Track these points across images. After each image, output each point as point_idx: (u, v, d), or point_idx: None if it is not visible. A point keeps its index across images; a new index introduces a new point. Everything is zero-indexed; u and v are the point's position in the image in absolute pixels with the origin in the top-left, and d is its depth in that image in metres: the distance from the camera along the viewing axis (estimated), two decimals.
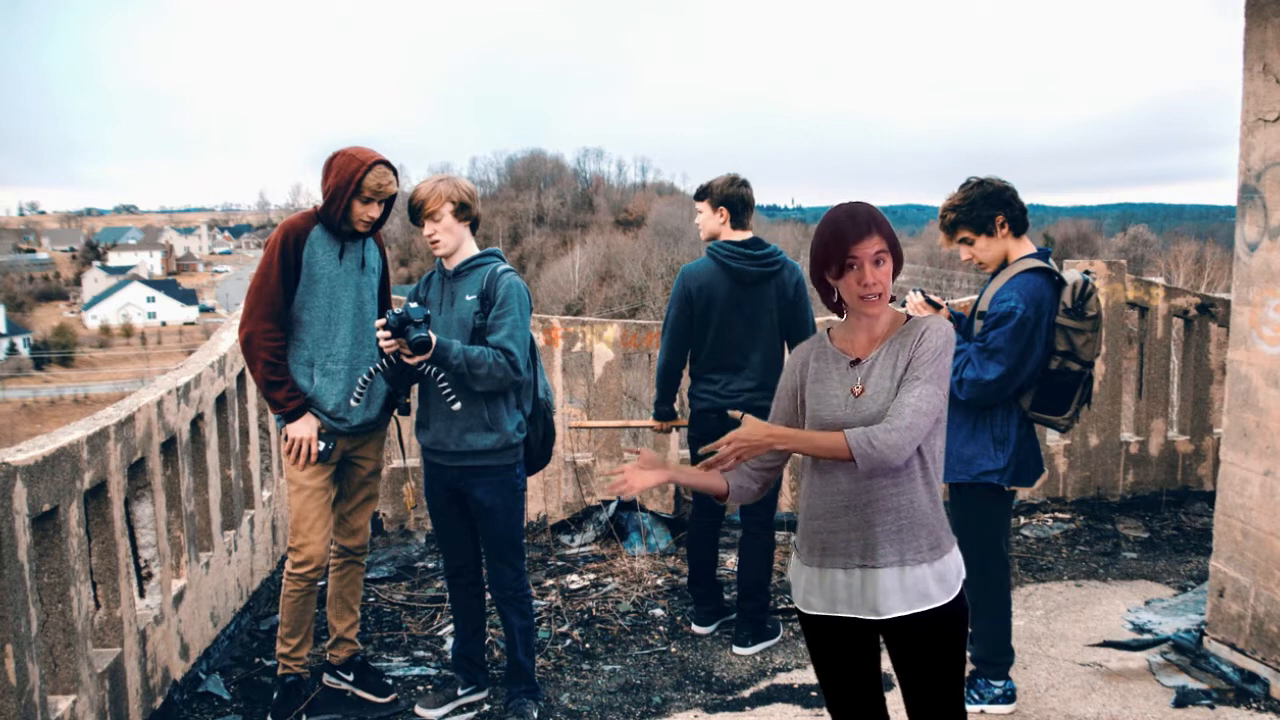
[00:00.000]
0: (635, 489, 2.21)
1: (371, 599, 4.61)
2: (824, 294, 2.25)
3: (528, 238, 77.21)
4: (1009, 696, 3.43)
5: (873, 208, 2.16)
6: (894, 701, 3.53)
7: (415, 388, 3.38)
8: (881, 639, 2.27)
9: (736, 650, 4.00)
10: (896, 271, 2.18)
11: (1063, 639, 4.07)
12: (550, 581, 4.79)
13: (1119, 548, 5.32)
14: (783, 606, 4.44)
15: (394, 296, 3.72)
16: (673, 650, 4.03)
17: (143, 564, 3.42)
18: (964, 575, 2.24)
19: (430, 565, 5.09)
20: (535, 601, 4.27)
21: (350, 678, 3.60)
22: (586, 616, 4.36)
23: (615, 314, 44.64)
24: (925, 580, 2.16)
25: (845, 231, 2.12)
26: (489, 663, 3.78)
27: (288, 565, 3.38)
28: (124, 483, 3.13)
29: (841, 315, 2.27)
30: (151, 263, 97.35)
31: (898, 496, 2.16)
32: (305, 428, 3.28)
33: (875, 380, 2.18)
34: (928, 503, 2.18)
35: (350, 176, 3.21)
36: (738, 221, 3.95)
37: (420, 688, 3.72)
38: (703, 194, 4.02)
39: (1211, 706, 3.42)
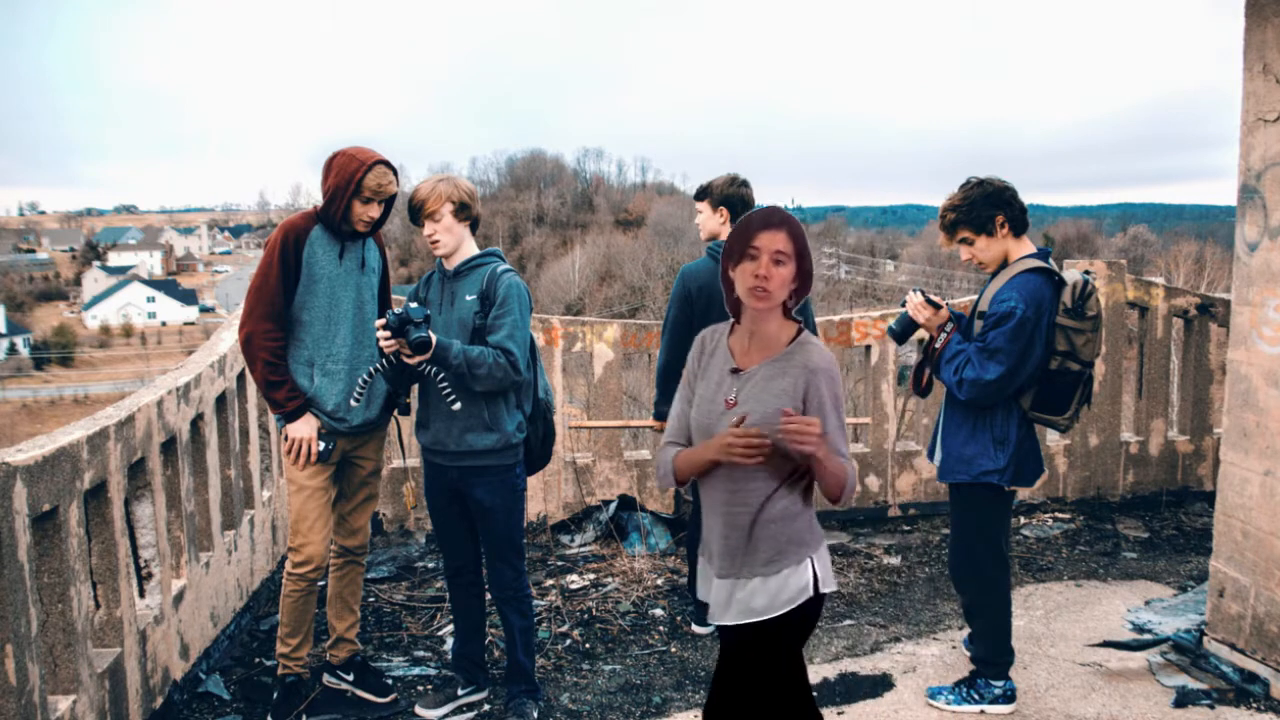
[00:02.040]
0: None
1: (371, 599, 4.61)
2: (726, 291, 2.25)
3: (528, 238, 77.22)
4: (1009, 696, 3.43)
5: (794, 218, 2.18)
6: (894, 702, 3.54)
7: (415, 388, 3.38)
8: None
9: None
10: (801, 290, 2.19)
11: (1063, 639, 4.07)
12: (550, 581, 4.79)
13: (1119, 548, 5.32)
14: None
15: (394, 296, 3.72)
16: (673, 650, 4.03)
17: (143, 564, 3.42)
18: (809, 594, 2.21)
19: (430, 565, 5.09)
20: (535, 601, 4.27)
21: (350, 678, 3.60)
22: (586, 616, 4.36)
23: (615, 314, 44.65)
24: (753, 594, 2.19)
25: (755, 221, 2.15)
26: (489, 663, 3.78)
27: (288, 565, 3.38)
28: (124, 483, 3.13)
29: (738, 317, 2.27)
30: (151, 263, 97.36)
31: (737, 515, 2.19)
32: (305, 428, 3.28)
33: (749, 397, 2.18)
34: (774, 520, 2.18)
35: (350, 176, 3.21)
36: (737, 221, 3.94)
37: (420, 688, 3.72)
38: (703, 194, 4.02)
39: (1211, 706, 3.42)
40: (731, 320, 2.31)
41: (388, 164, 3.28)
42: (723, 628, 2.28)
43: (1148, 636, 4.05)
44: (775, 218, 2.15)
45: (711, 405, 2.20)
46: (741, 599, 2.20)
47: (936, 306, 3.36)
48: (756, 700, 2.24)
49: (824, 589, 2.23)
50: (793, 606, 2.19)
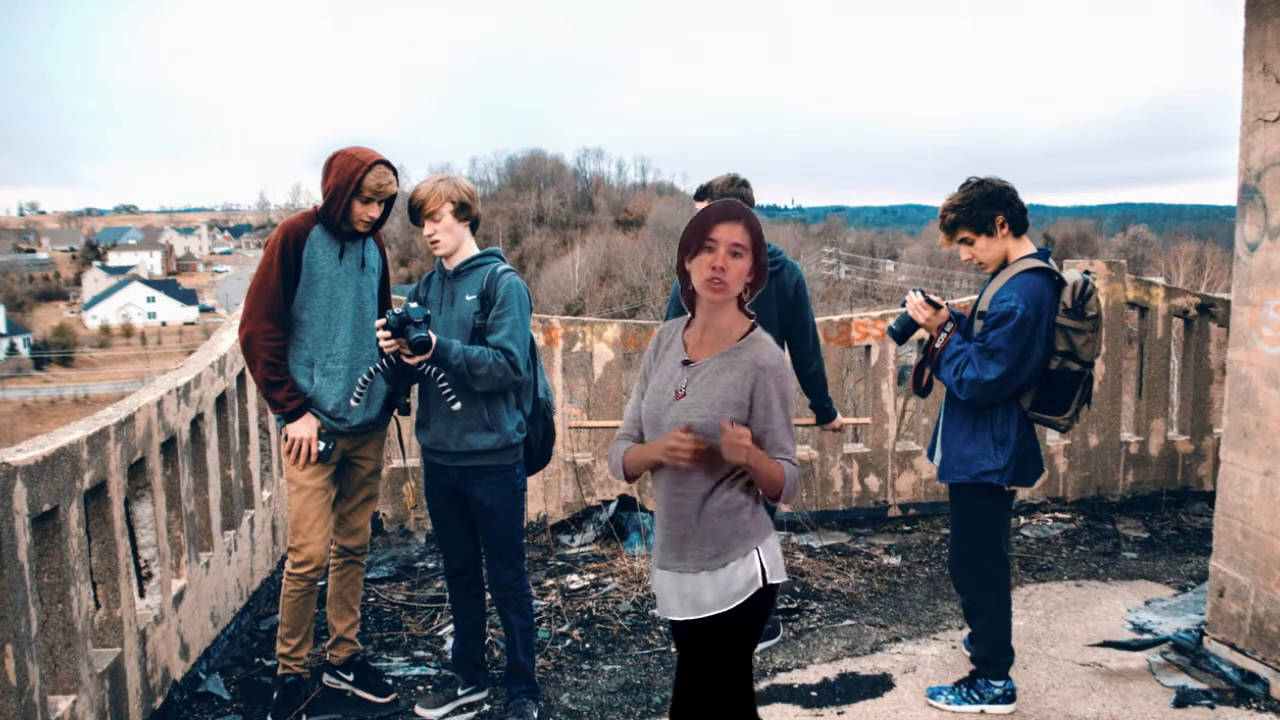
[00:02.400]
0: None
1: (371, 599, 4.61)
2: (682, 285, 2.27)
3: (528, 238, 77.22)
4: (1009, 696, 3.43)
5: (751, 212, 2.20)
6: (894, 702, 3.54)
7: (415, 388, 3.38)
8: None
9: None
10: (756, 284, 2.20)
11: (1063, 639, 4.07)
12: (550, 581, 4.79)
13: (1119, 548, 5.32)
14: (783, 606, 4.44)
15: (394, 296, 3.72)
16: (673, 650, 4.03)
17: (143, 564, 3.41)
18: (758, 585, 2.22)
19: (430, 565, 5.09)
20: (535, 601, 4.27)
21: (350, 678, 3.60)
22: (586, 616, 4.36)
23: (615, 314, 44.64)
24: (702, 588, 2.20)
25: (713, 214, 2.17)
26: (489, 663, 3.78)
27: (288, 565, 3.38)
28: (124, 483, 3.13)
29: (692, 309, 2.28)
30: (151, 263, 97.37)
31: (682, 506, 2.21)
32: (305, 428, 3.28)
33: (698, 389, 2.19)
34: (711, 516, 2.20)
35: (350, 176, 3.21)
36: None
37: (420, 688, 3.72)
38: (703, 194, 4.02)
39: (1211, 706, 3.42)
40: (688, 314, 2.33)
41: (388, 164, 3.28)
42: (675, 624, 2.29)
43: (1148, 636, 4.05)
44: (733, 210, 2.17)
45: (661, 396, 2.22)
46: (690, 594, 2.22)
47: (936, 306, 3.36)
48: (712, 696, 2.27)
49: (772, 580, 2.24)
50: (742, 600, 2.21)
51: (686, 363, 2.23)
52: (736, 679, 2.28)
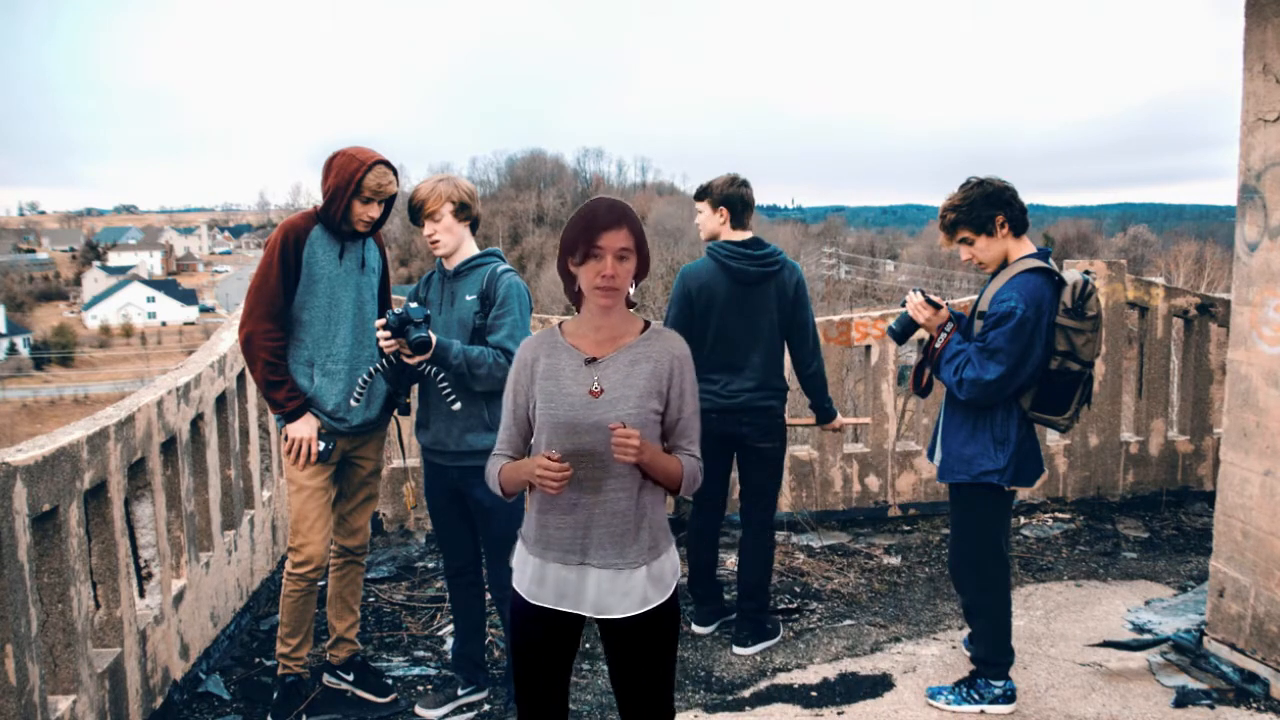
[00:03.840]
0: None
1: (371, 599, 4.61)
2: (565, 283, 2.26)
3: (528, 238, 77.19)
4: (1009, 696, 3.43)
5: (629, 208, 2.20)
6: (894, 702, 3.54)
7: (415, 388, 3.38)
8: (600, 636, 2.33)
9: (736, 650, 3.99)
10: (640, 276, 2.21)
11: (1063, 639, 4.07)
12: None
13: (1119, 548, 5.32)
14: (783, 606, 4.44)
15: (394, 296, 3.72)
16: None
17: (143, 564, 3.42)
18: (679, 574, 2.30)
19: (430, 565, 5.09)
20: None
21: (350, 678, 3.60)
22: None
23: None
24: (642, 583, 2.21)
25: (597, 219, 2.15)
26: (489, 663, 3.78)
27: (288, 565, 3.38)
28: (124, 483, 3.13)
29: (578, 307, 2.28)
30: (151, 263, 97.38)
31: (621, 501, 2.19)
32: (305, 428, 3.28)
33: (615, 384, 2.19)
34: (647, 507, 2.23)
35: (350, 176, 3.21)
36: (738, 221, 3.94)
37: (420, 688, 3.72)
38: (703, 194, 4.02)
39: (1211, 706, 3.42)
40: (559, 322, 2.33)
41: (388, 164, 3.28)
42: (607, 623, 2.25)
43: (1148, 636, 4.05)
44: (614, 216, 2.16)
45: (574, 399, 2.19)
46: (632, 590, 2.21)
47: (936, 306, 3.36)
48: (661, 687, 2.30)
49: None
50: (676, 584, 2.28)
51: (591, 361, 2.21)
52: (673, 667, 2.34)
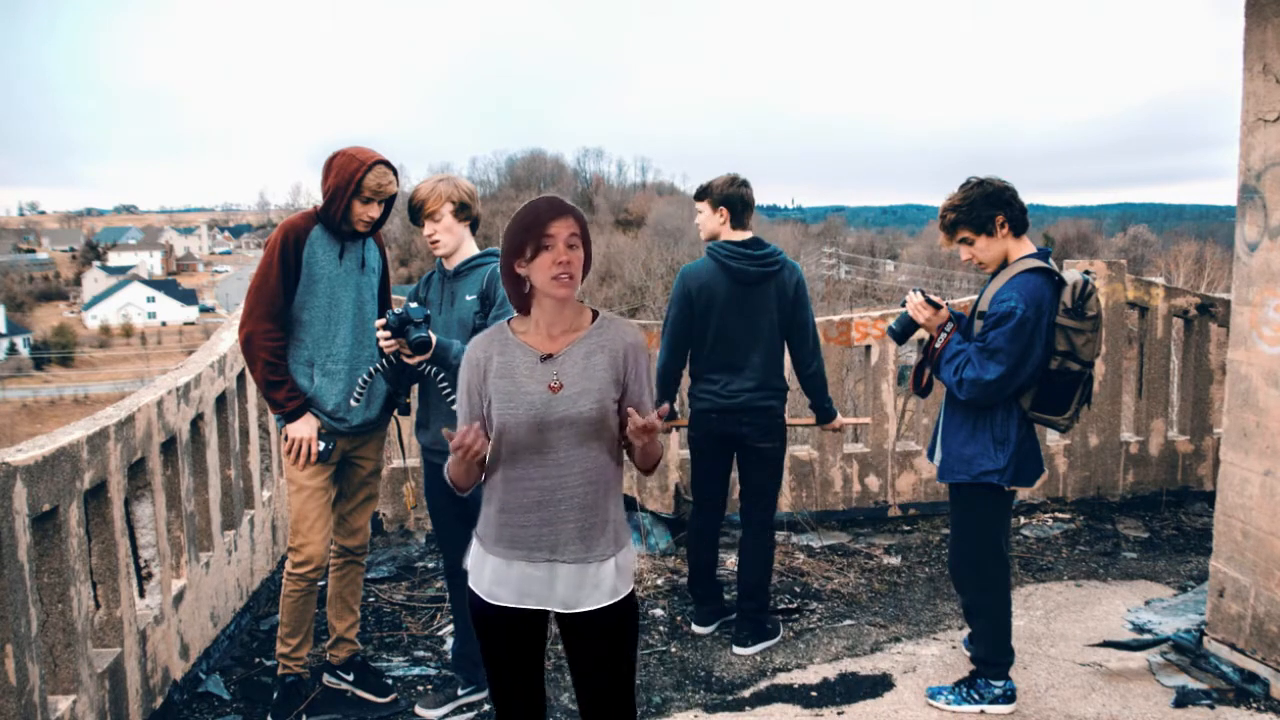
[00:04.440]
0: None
1: (371, 599, 4.61)
2: (514, 288, 2.24)
3: None
4: (1009, 696, 3.43)
5: (573, 204, 2.21)
6: (894, 702, 3.53)
7: (415, 388, 3.37)
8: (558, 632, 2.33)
9: (736, 650, 3.99)
10: (585, 269, 2.22)
11: (1063, 639, 4.07)
12: None
13: (1119, 548, 5.32)
14: (783, 606, 4.44)
15: (394, 296, 3.72)
16: (673, 650, 4.03)
17: (143, 564, 3.42)
18: (635, 566, 2.31)
19: (430, 565, 5.08)
20: None
21: (350, 678, 3.60)
22: None
23: (615, 314, 44.56)
24: (610, 575, 2.23)
25: (543, 211, 2.17)
26: None
27: (288, 565, 3.38)
28: (124, 483, 3.13)
29: (528, 311, 2.27)
30: (151, 263, 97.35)
31: (588, 495, 2.21)
32: (305, 428, 3.28)
33: (574, 378, 2.19)
34: (612, 499, 2.25)
35: (350, 176, 3.21)
36: (738, 221, 3.94)
37: (420, 688, 3.72)
38: (703, 194, 4.02)
39: (1211, 706, 3.42)
40: (504, 322, 2.31)
41: (388, 164, 3.28)
42: (571, 619, 2.25)
43: (1148, 636, 4.05)
44: (560, 204, 2.18)
45: (534, 396, 2.18)
46: (604, 581, 2.22)
47: (936, 306, 3.36)
48: (627, 679, 2.31)
49: None
50: (633, 575, 2.32)
51: (547, 357, 2.21)
52: (635, 659, 2.36)
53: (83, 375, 61.97)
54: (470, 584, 2.29)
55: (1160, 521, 5.74)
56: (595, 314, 2.29)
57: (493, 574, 2.24)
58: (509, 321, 2.30)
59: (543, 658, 2.35)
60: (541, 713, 2.38)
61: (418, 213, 3.28)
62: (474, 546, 2.31)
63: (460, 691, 3.54)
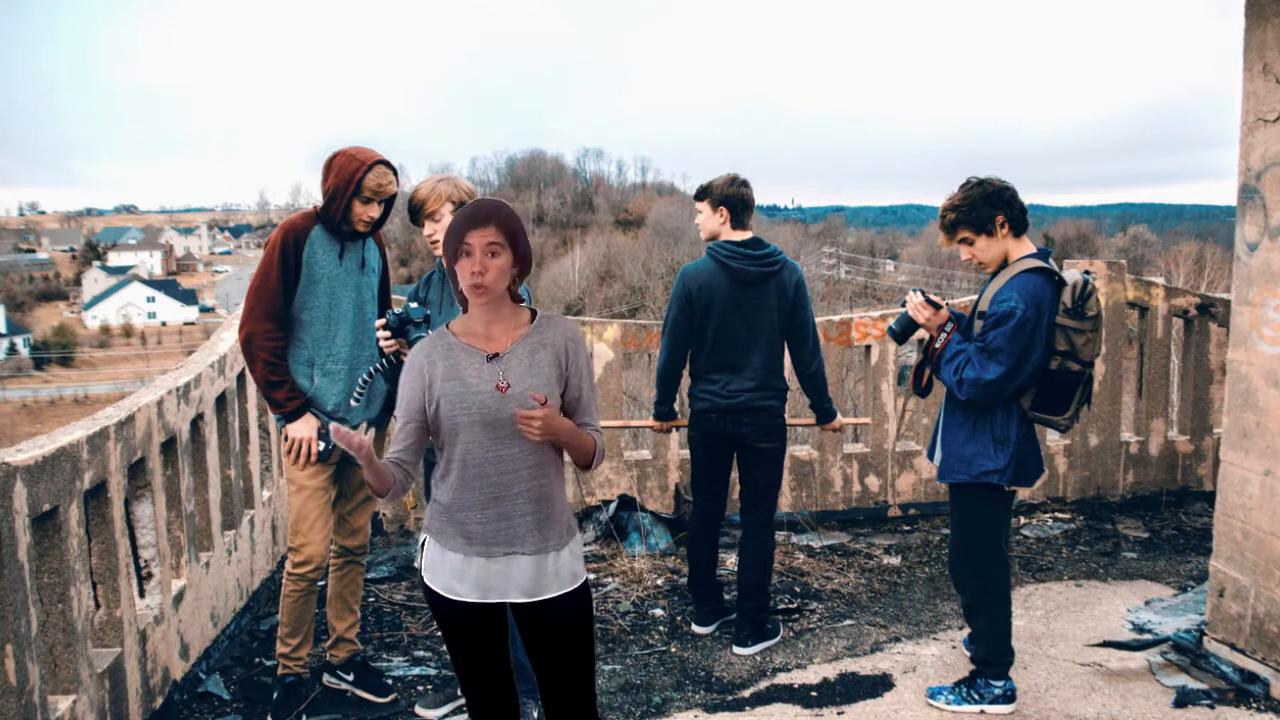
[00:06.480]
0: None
1: (371, 599, 4.61)
2: (455, 286, 2.32)
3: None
4: (1009, 696, 3.43)
5: (504, 206, 2.25)
6: (894, 702, 3.53)
7: None
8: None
9: (736, 650, 4.00)
10: (522, 274, 2.28)
11: (1063, 639, 4.07)
12: None
13: (1119, 548, 5.32)
14: (783, 606, 4.44)
15: (394, 296, 3.72)
16: (673, 650, 4.03)
17: (143, 564, 3.41)
18: (583, 544, 2.38)
19: None
20: None
21: (350, 678, 3.60)
22: None
23: (615, 314, 44.64)
24: (568, 561, 2.31)
25: (465, 219, 2.21)
26: None
27: (288, 565, 3.38)
28: (124, 483, 3.13)
29: (466, 308, 2.33)
30: (151, 263, 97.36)
31: (542, 488, 2.27)
32: (305, 428, 3.28)
33: (520, 376, 2.25)
34: (558, 489, 2.33)
35: (350, 176, 3.21)
36: (738, 221, 3.94)
37: (420, 688, 3.72)
38: (703, 194, 4.02)
39: (1211, 706, 3.42)
40: (444, 327, 2.36)
41: (388, 164, 3.28)
42: (530, 608, 2.29)
43: (1148, 636, 4.05)
44: (481, 213, 2.21)
45: (484, 396, 2.23)
46: (563, 568, 2.30)
47: (936, 306, 3.36)
48: (587, 664, 2.35)
49: None
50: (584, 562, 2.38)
51: (493, 357, 2.26)
52: (594, 643, 2.41)
53: (83, 375, 61.98)
54: (425, 580, 2.33)
55: (1160, 521, 5.74)
56: (534, 313, 2.36)
57: (451, 570, 2.28)
58: (448, 325, 2.36)
59: (506, 647, 2.39)
60: (514, 704, 2.42)
61: (418, 213, 3.28)
62: (427, 542, 2.35)
63: (460, 691, 3.54)
